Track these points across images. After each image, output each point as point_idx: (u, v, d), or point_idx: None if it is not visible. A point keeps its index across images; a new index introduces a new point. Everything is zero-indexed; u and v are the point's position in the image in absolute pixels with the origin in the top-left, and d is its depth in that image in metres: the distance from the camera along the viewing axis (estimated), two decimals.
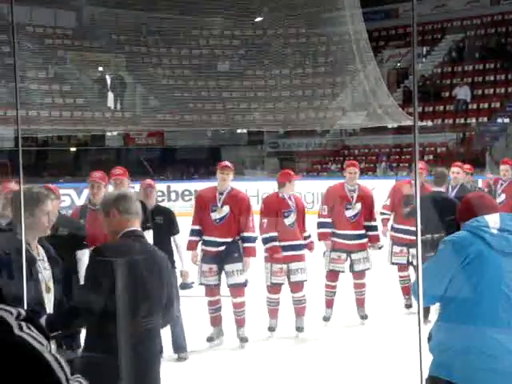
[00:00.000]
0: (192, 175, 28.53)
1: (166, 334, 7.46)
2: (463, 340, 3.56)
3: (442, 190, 8.85)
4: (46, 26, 27.90)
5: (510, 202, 10.11)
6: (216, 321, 8.23)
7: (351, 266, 9.13)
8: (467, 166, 10.93)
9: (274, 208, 8.48)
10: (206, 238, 8.11)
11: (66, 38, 28.29)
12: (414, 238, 8.96)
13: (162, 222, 7.60)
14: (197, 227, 8.15)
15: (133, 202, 3.98)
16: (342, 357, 7.68)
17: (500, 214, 3.71)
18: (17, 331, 1.33)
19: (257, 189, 23.34)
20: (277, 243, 8.34)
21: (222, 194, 8.13)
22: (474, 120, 28.22)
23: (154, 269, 3.99)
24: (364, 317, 9.20)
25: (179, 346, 7.55)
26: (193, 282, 8.16)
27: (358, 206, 9.08)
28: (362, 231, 9.11)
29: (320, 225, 9.15)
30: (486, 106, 28.46)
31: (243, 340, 8.16)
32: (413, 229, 9.49)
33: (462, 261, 3.56)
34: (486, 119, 27.96)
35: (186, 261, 7.82)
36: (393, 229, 9.58)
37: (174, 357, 7.51)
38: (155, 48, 28.85)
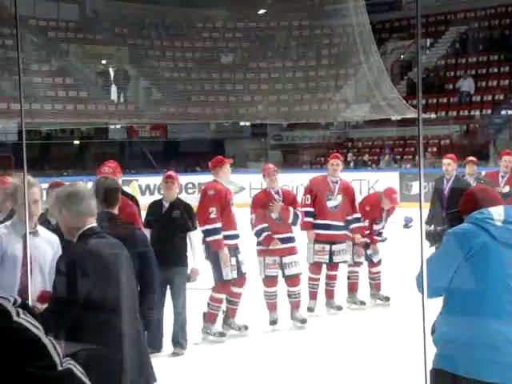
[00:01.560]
0: (195, 168, 28.53)
1: (168, 328, 7.51)
2: (467, 332, 3.56)
3: None
4: (49, 19, 27.89)
5: None
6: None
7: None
8: (472, 158, 10.88)
9: (261, 203, 8.52)
10: (231, 232, 8.08)
11: (69, 31, 28.30)
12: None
13: (179, 216, 7.50)
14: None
15: (84, 201, 3.86)
16: (348, 350, 7.69)
17: (504, 206, 3.70)
18: (15, 317, 1.38)
19: (260, 181, 23.32)
20: (269, 233, 8.40)
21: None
22: (477, 112, 28.16)
23: (125, 261, 3.98)
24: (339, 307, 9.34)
25: (176, 342, 7.54)
26: None
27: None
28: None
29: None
30: (490, 98, 28.39)
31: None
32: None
33: (467, 253, 3.56)
34: (489, 111, 27.89)
35: (199, 259, 7.72)
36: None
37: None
38: (158, 41, 28.86)
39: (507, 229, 3.58)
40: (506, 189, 10.30)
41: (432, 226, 8.65)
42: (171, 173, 8.00)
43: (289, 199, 8.61)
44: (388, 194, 9.74)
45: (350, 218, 9.27)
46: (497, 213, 3.62)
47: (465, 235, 3.62)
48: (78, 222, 3.85)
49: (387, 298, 9.72)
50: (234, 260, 8.02)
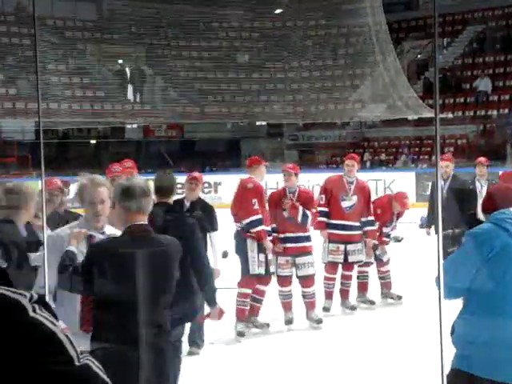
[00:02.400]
0: (212, 167, 28.57)
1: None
2: (487, 333, 3.54)
3: None
4: (67, 18, 28.00)
5: None
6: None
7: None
8: (481, 159, 10.83)
9: (274, 201, 8.60)
10: (266, 228, 8.28)
11: (86, 31, 28.38)
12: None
13: (200, 215, 7.43)
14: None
15: (135, 197, 3.91)
16: (363, 349, 7.67)
17: None
18: (31, 313, 1.40)
19: (276, 181, 23.30)
20: (274, 234, 8.46)
21: None
22: (494, 112, 28.03)
23: (159, 261, 3.98)
24: (354, 307, 9.34)
25: (193, 342, 7.53)
26: None
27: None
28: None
29: None
30: (507, 97, 28.25)
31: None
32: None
33: (487, 254, 3.52)
34: (507, 111, 27.76)
35: (219, 260, 7.72)
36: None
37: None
38: (175, 40, 28.89)
39: None
40: None
41: (450, 229, 8.63)
42: (196, 174, 7.97)
43: (302, 198, 8.56)
44: (399, 198, 9.75)
45: (364, 219, 9.25)
46: None
47: (485, 236, 3.59)
48: (126, 217, 3.92)
49: (399, 297, 9.73)
50: (262, 256, 8.14)
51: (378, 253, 9.59)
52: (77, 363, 1.41)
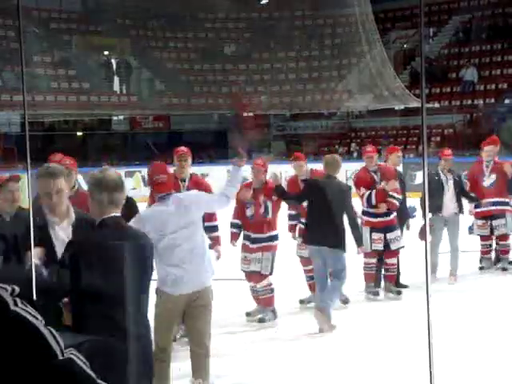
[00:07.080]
0: (198, 159, 28.51)
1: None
2: None
3: None
4: (52, 10, 27.85)
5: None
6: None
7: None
8: (446, 152, 10.92)
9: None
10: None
11: (71, 22, 28.24)
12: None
13: None
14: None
15: (106, 191, 3.89)
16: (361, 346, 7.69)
17: None
18: (12, 307, 1.37)
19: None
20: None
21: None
22: (481, 101, 28.09)
23: (132, 253, 3.97)
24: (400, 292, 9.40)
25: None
26: None
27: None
28: None
29: None
30: (493, 87, 28.31)
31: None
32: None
33: None
34: (493, 100, 27.83)
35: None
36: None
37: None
38: (160, 31, 28.80)
39: None
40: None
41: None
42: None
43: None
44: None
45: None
46: None
47: None
48: (99, 210, 3.91)
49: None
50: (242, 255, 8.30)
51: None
52: (60, 357, 1.39)
